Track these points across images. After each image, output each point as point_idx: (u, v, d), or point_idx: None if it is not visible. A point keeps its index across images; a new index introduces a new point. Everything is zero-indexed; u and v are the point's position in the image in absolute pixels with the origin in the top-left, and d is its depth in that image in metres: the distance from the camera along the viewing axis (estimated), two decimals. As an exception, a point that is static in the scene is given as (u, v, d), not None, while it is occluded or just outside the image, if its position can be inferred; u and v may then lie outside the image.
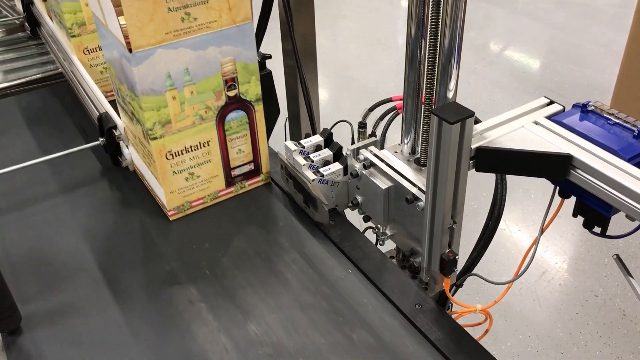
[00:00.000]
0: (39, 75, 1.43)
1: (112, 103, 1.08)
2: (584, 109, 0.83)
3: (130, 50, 0.80)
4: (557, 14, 3.94)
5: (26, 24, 1.53)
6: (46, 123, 1.26)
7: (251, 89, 0.93)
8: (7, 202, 1.04)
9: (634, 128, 0.78)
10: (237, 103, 0.93)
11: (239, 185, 1.02)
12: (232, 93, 0.92)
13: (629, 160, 0.75)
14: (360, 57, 3.54)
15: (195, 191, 0.98)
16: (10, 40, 1.58)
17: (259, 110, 0.97)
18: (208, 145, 0.95)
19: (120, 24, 0.81)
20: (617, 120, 0.80)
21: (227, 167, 0.99)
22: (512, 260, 2.02)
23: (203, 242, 0.94)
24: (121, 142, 1.07)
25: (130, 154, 1.07)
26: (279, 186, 1.05)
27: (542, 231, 0.88)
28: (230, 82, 0.91)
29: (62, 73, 1.35)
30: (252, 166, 1.02)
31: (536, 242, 0.87)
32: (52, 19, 1.33)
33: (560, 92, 3.07)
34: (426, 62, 0.85)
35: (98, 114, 1.08)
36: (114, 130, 1.05)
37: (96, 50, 1.25)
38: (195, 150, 0.94)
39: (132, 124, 0.96)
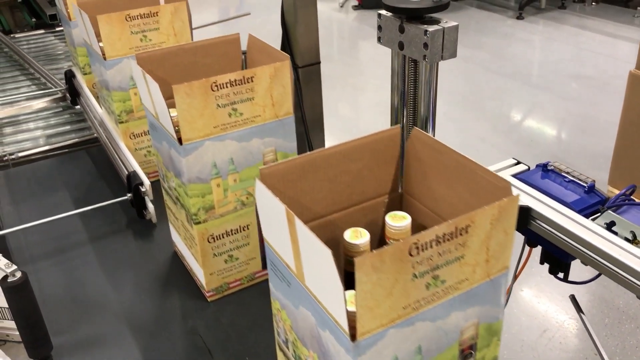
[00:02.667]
0: (77, 140, 1.61)
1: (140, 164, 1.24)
2: (544, 169, 0.95)
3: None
4: (566, 87, 4.10)
5: (67, 94, 1.72)
6: (81, 181, 1.41)
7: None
8: (45, 248, 1.18)
9: (585, 184, 0.90)
10: None
11: None
12: None
13: (579, 212, 0.86)
14: (376, 124, 3.73)
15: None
16: (53, 109, 1.78)
17: None
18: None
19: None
20: (572, 178, 0.92)
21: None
22: (517, 320, 2.07)
23: (240, 326, 0.96)
24: (146, 197, 1.21)
25: (154, 208, 1.22)
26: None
27: (514, 278, 0.99)
28: (467, 351, 0.76)
29: (97, 137, 1.52)
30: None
31: (509, 290, 0.98)
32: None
33: (567, 160, 3.18)
34: (406, 128, 0.98)
35: (127, 173, 1.23)
36: (140, 187, 1.19)
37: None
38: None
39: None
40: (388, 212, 0.71)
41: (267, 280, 0.92)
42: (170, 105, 0.85)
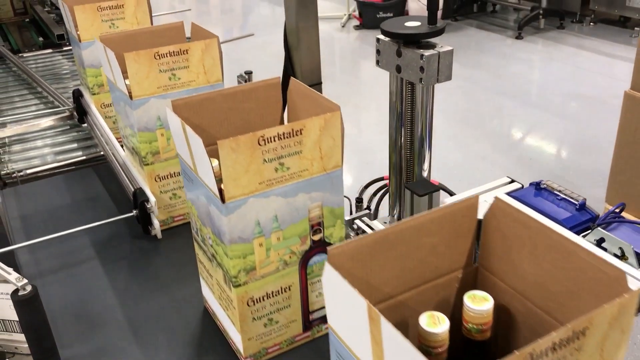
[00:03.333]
0: (84, 157, 1.65)
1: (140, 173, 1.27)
2: (537, 187, 0.98)
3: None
4: (565, 106, 4.15)
5: (75, 113, 1.77)
6: (88, 197, 1.45)
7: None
8: (53, 263, 1.21)
9: (576, 202, 0.93)
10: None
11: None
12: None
13: (570, 229, 0.89)
14: (378, 143, 3.76)
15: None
16: (61, 127, 1.82)
17: None
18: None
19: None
20: (563, 196, 0.95)
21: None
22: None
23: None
24: (151, 214, 1.24)
25: (159, 224, 1.25)
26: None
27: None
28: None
29: (104, 155, 1.56)
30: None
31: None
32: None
33: (565, 178, 3.21)
34: (404, 147, 1.02)
35: (133, 190, 1.27)
36: (146, 203, 1.23)
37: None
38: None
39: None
40: (461, 288, 0.69)
41: (307, 344, 0.96)
42: (210, 154, 0.80)
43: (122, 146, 1.44)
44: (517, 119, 4.05)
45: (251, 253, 0.84)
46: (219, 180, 0.79)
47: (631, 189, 2.21)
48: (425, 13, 0.94)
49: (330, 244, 0.90)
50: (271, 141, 0.79)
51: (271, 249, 0.86)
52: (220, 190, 0.79)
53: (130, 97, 1.17)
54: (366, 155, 3.52)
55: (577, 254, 0.59)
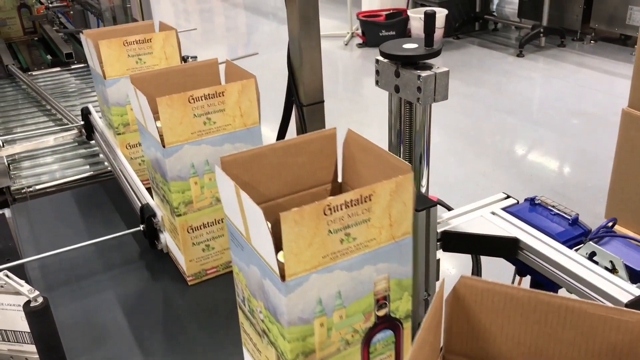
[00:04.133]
0: (91, 173, 1.69)
1: (149, 190, 1.31)
2: (532, 202, 1.02)
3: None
4: (566, 123, 4.19)
5: (83, 130, 1.81)
6: (95, 212, 1.48)
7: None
8: (61, 276, 1.25)
9: (569, 217, 0.96)
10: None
11: None
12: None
13: (564, 243, 0.92)
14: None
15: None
16: (69, 143, 1.86)
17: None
18: None
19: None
20: (557, 211, 0.98)
21: None
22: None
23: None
24: (158, 229, 1.28)
25: (165, 238, 1.28)
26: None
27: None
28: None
29: (111, 171, 1.60)
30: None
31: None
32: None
33: (566, 194, 3.24)
34: (403, 163, 1.05)
35: (140, 205, 1.30)
36: (153, 218, 1.26)
37: (200, 229, 1.17)
38: None
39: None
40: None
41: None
42: (277, 236, 0.71)
43: (149, 192, 1.33)
44: (518, 136, 4.08)
45: (311, 335, 0.76)
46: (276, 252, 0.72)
47: (630, 205, 2.23)
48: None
49: (396, 319, 0.82)
50: (338, 210, 0.71)
51: (333, 328, 0.77)
52: (279, 265, 0.71)
53: (163, 144, 1.07)
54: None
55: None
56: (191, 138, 1.08)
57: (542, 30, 5.48)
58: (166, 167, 0.89)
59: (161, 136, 1.01)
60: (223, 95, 1.09)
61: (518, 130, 4.15)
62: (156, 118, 1.07)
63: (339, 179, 0.93)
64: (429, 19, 0.96)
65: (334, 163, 0.93)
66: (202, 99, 1.07)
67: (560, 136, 4.00)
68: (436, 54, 0.96)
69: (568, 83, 4.87)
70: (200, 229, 1.15)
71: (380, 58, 1.01)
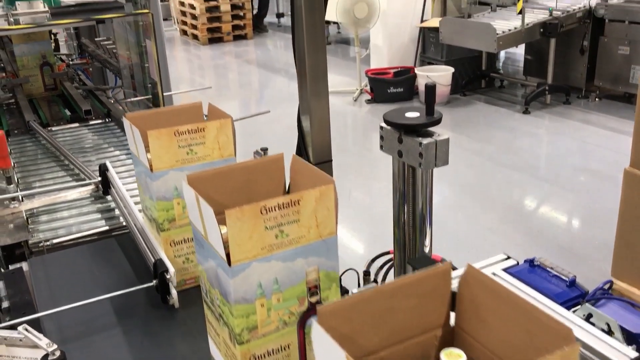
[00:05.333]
0: (107, 227, 1.74)
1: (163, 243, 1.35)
2: (531, 264, 1.05)
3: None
4: (573, 179, 4.23)
5: (100, 185, 1.88)
6: (110, 266, 1.53)
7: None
8: (77, 330, 1.28)
9: (567, 279, 1.00)
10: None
11: None
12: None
13: (562, 304, 0.96)
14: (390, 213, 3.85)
15: None
16: (86, 198, 1.93)
17: None
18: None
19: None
20: (555, 273, 1.02)
21: None
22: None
23: None
24: (170, 284, 1.32)
25: (177, 293, 1.32)
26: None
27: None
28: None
29: (126, 225, 1.65)
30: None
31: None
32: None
33: (572, 251, 3.25)
34: (407, 223, 1.10)
35: (153, 260, 1.35)
36: (165, 274, 1.31)
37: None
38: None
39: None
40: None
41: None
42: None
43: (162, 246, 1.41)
44: (525, 192, 4.13)
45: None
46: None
47: (636, 263, 2.25)
48: (436, 89, 1.05)
49: None
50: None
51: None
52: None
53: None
54: (378, 226, 3.59)
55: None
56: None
57: (547, 87, 5.60)
58: (230, 287, 0.89)
59: (228, 255, 0.91)
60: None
61: (525, 186, 4.19)
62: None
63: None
64: (429, 90, 1.03)
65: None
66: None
67: (567, 192, 4.04)
68: (437, 122, 1.02)
69: (574, 140, 4.94)
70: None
71: (384, 125, 1.08)
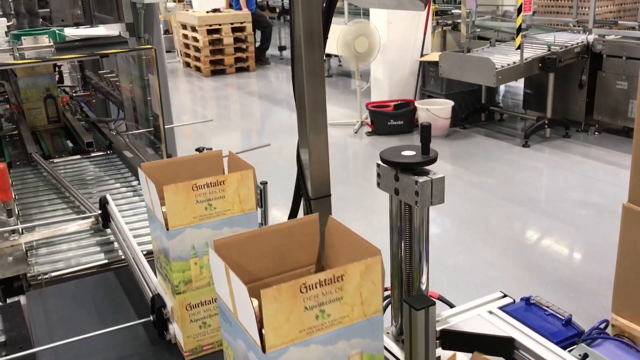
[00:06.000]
0: (106, 261, 1.75)
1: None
2: (527, 302, 1.06)
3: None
4: (573, 213, 4.23)
5: (100, 218, 1.89)
6: (108, 300, 1.53)
7: None
8: (72, 365, 1.28)
9: (563, 318, 1.00)
10: None
11: None
12: None
13: (557, 343, 0.96)
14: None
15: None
16: (85, 231, 1.94)
17: None
18: None
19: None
20: (551, 311, 1.02)
21: None
22: None
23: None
24: (167, 319, 1.32)
25: (174, 329, 1.32)
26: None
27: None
28: None
29: (125, 259, 1.65)
30: None
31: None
32: (156, 274, 1.37)
33: (573, 285, 3.24)
34: (404, 260, 1.11)
35: (151, 295, 1.35)
36: (163, 309, 1.31)
37: (198, 306, 1.23)
38: None
39: None
40: None
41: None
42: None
43: (155, 273, 1.39)
44: (526, 226, 4.13)
45: None
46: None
47: (635, 299, 2.24)
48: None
49: None
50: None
51: None
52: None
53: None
54: (376, 259, 3.58)
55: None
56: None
57: (546, 121, 5.65)
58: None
59: (262, 341, 0.83)
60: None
61: (524, 220, 4.19)
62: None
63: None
64: (424, 130, 1.05)
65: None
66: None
67: (567, 226, 4.04)
68: (432, 161, 1.03)
69: (573, 173, 4.96)
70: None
71: (381, 163, 1.09)
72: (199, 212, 1.16)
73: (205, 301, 0.98)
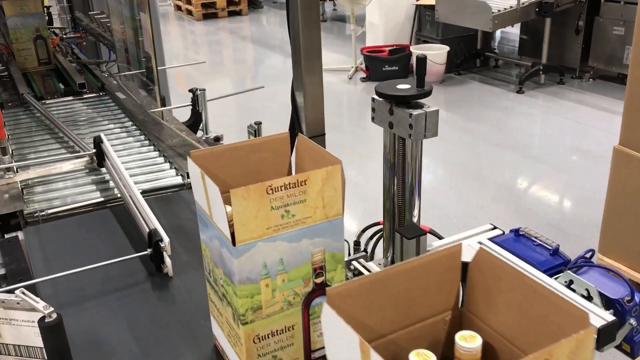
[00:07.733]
0: (101, 199, 1.76)
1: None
2: (516, 233, 1.08)
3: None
4: (565, 159, 4.26)
5: (94, 157, 1.89)
6: (105, 236, 1.55)
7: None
8: (72, 296, 1.31)
9: (550, 247, 1.03)
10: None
11: None
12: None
13: (545, 272, 0.99)
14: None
15: None
16: (81, 170, 1.94)
17: None
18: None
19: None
20: (539, 242, 1.05)
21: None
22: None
23: None
24: (164, 253, 1.34)
25: (171, 262, 1.35)
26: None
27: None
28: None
29: (121, 197, 1.67)
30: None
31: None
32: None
33: (562, 229, 3.30)
34: (397, 194, 1.13)
35: (148, 230, 1.37)
36: (160, 243, 1.33)
37: (268, 338, 0.99)
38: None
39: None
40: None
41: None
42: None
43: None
44: (517, 171, 4.16)
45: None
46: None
47: (621, 240, 2.29)
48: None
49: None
50: (278, 190, 0.88)
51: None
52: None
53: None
54: (371, 203, 3.62)
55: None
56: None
57: (541, 67, 5.61)
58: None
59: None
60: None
61: (517, 166, 4.23)
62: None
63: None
64: (420, 62, 1.05)
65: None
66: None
67: (559, 172, 4.07)
68: (427, 94, 1.04)
69: (567, 120, 4.96)
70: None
71: (376, 97, 1.10)
72: (274, 222, 0.93)
73: (277, 331, 0.89)
